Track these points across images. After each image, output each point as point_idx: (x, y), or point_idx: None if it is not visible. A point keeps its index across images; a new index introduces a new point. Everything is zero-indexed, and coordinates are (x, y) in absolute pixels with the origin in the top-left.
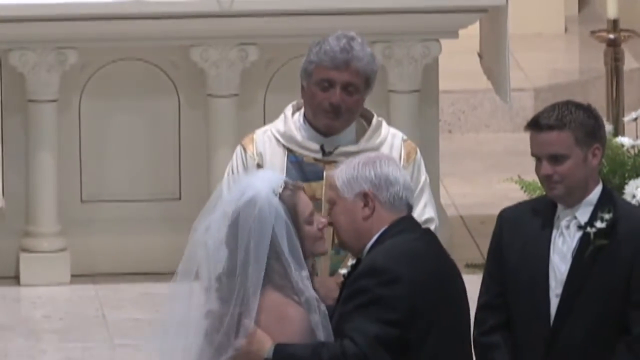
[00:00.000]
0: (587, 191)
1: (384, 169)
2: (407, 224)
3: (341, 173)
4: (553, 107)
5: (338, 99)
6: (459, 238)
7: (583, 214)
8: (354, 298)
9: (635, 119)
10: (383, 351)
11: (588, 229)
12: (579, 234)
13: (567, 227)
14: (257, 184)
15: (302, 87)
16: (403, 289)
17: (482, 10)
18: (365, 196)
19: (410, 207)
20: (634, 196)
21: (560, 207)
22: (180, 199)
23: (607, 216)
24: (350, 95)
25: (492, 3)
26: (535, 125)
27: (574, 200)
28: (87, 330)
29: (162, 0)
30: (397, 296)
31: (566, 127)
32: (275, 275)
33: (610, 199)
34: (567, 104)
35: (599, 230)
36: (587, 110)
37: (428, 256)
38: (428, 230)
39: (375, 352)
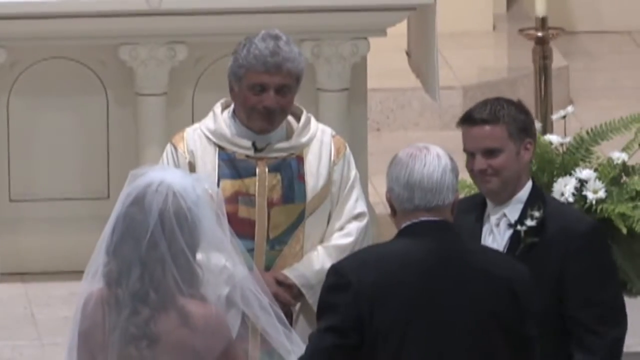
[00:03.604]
0: (518, 187)
1: None
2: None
3: None
4: (485, 102)
5: (273, 102)
6: (388, 236)
7: (512, 211)
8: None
9: (564, 117)
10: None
11: (518, 227)
12: (509, 232)
13: (497, 224)
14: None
15: (232, 89)
16: (348, 297)
17: (410, 8)
18: None
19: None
20: (562, 194)
21: (489, 204)
22: (109, 197)
23: (537, 214)
24: (284, 97)
25: (421, 1)
26: (468, 120)
27: (505, 196)
28: (16, 328)
29: None
30: (342, 303)
31: (500, 121)
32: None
33: (539, 197)
34: (499, 99)
35: (529, 228)
36: (519, 106)
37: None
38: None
39: None
